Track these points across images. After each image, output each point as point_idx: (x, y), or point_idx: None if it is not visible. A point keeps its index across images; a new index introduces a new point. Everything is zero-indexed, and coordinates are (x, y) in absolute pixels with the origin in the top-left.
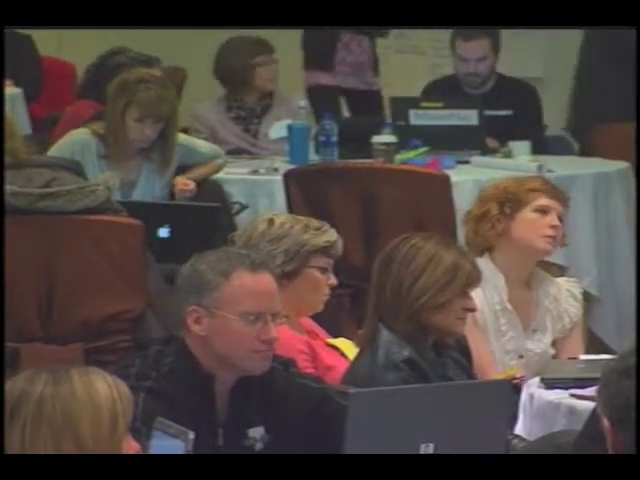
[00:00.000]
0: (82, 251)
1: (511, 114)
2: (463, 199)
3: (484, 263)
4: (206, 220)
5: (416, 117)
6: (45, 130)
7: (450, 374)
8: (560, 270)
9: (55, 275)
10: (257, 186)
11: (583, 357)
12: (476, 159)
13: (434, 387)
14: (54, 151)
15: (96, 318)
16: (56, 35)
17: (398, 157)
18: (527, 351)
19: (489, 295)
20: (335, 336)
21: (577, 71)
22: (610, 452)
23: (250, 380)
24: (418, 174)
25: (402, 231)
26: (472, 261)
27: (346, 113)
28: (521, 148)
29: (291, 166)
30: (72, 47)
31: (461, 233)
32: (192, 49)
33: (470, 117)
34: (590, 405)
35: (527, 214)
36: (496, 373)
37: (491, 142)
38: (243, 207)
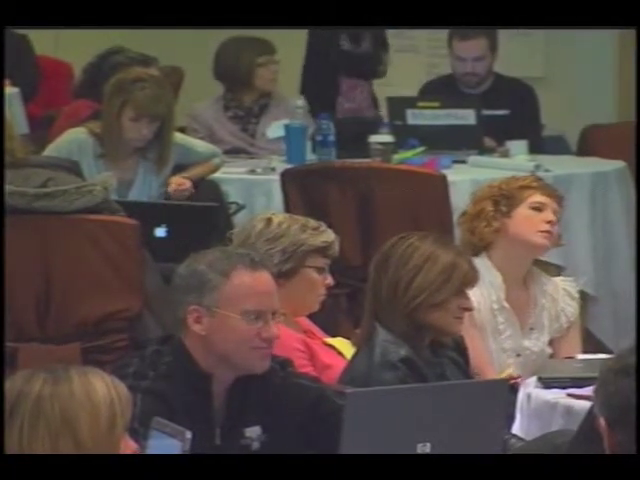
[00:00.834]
0: (79, 251)
1: (508, 114)
2: (460, 199)
3: (481, 262)
4: (203, 220)
5: (413, 117)
6: (42, 129)
7: (447, 373)
8: (557, 269)
9: (52, 275)
10: (254, 185)
11: (580, 356)
12: (473, 159)
13: (431, 387)
14: (51, 150)
15: (93, 317)
16: (53, 35)
17: (395, 157)
18: (524, 350)
19: (486, 294)
20: (332, 335)
21: None
22: (607, 452)
23: (247, 380)
24: (415, 174)
25: (399, 231)
26: (469, 260)
27: None
28: (518, 148)
29: (288, 166)
30: (69, 46)
31: (457, 233)
32: (190, 49)
33: (467, 117)
34: (588, 405)
35: (523, 211)
36: (493, 372)
37: (488, 142)
38: (240, 207)
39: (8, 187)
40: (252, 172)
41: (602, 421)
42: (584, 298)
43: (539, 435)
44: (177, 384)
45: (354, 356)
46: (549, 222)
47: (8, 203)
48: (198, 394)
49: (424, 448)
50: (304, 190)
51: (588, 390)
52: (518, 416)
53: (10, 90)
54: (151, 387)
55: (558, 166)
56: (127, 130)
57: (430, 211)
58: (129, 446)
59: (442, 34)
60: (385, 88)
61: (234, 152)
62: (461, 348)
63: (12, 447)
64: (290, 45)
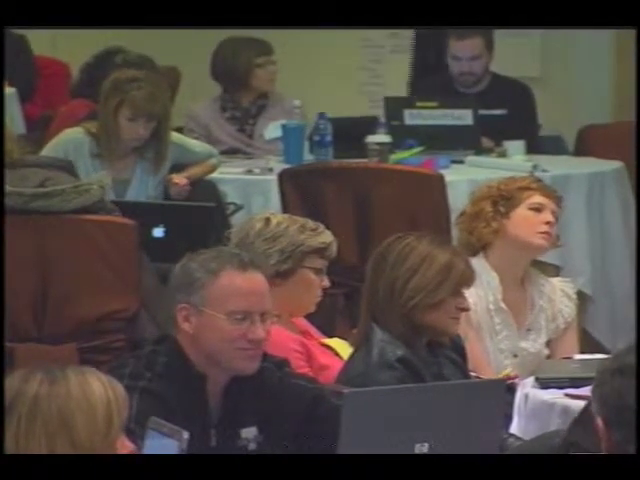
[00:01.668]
0: (76, 251)
1: (505, 113)
2: (457, 199)
3: (478, 262)
4: (200, 220)
5: (410, 117)
6: (39, 129)
7: (445, 373)
8: (554, 270)
9: (49, 275)
10: (251, 186)
11: (577, 357)
12: (471, 159)
13: (429, 387)
14: (48, 150)
15: (90, 317)
16: (50, 35)
17: (392, 157)
18: (521, 350)
19: (483, 294)
20: (329, 336)
21: None
22: (603, 452)
23: (243, 380)
24: (413, 174)
25: (396, 231)
26: (466, 260)
27: None
28: (516, 148)
29: (286, 166)
30: (66, 46)
31: (455, 233)
32: (187, 49)
33: (464, 117)
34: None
35: (522, 212)
36: (491, 373)
37: (486, 142)
38: (238, 208)
39: (6, 187)
40: (249, 172)
41: (599, 421)
42: (581, 298)
43: (536, 435)
44: (173, 384)
45: (351, 356)
46: (548, 223)
47: (6, 203)
48: (193, 394)
49: (422, 448)
50: (301, 190)
51: (585, 390)
52: (516, 416)
53: (7, 90)
54: (147, 387)
55: (555, 166)
56: (124, 130)
57: (427, 211)
58: (126, 446)
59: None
60: (382, 88)
61: (231, 152)
62: (459, 348)
63: (9, 446)
64: (288, 45)
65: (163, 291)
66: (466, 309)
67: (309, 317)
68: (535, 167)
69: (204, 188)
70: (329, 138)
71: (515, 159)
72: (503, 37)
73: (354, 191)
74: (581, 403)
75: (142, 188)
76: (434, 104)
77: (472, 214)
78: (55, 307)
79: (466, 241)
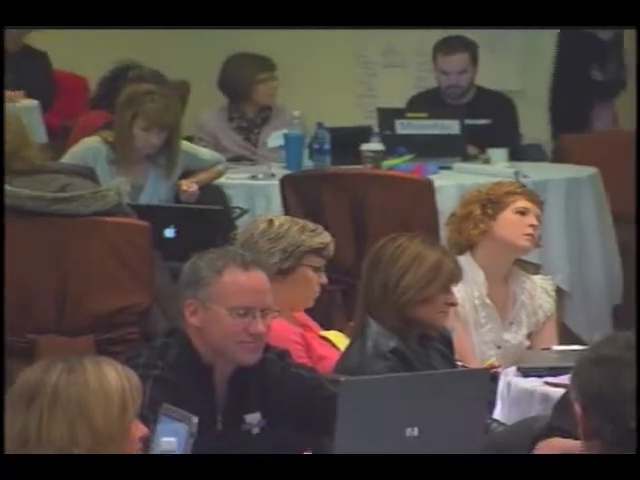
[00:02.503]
0: (94, 250)
1: (490, 123)
2: (446, 202)
3: (465, 261)
4: (208, 222)
5: (402, 127)
6: (59, 138)
7: (434, 363)
8: (535, 268)
9: (69, 272)
10: (255, 190)
11: (556, 348)
12: (457, 165)
13: (419, 375)
14: (68, 157)
15: (106, 312)
16: (71, 50)
17: (385, 163)
18: (504, 342)
19: (469, 290)
20: (327, 328)
21: None
22: (581, 437)
23: (247, 370)
24: (404, 179)
25: (389, 232)
26: (454, 259)
27: None
28: (499, 155)
29: (287, 171)
30: (86, 61)
31: (444, 233)
32: (196, 63)
33: (452, 126)
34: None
35: (508, 215)
36: (476, 363)
37: (471, 149)
38: (243, 211)
39: (29, 191)
40: (253, 178)
41: (577, 407)
42: (560, 294)
43: (518, 420)
44: (183, 373)
45: (348, 347)
46: (532, 226)
47: (28, 206)
48: (201, 383)
49: (412, 432)
50: (301, 194)
51: (564, 379)
52: (499, 403)
53: (30, 102)
54: (160, 376)
55: (535, 172)
56: (138, 139)
57: (418, 214)
58: (140, 430)
59: (428, 50)
60: (376, 100)
61: (236, 159)
62: (446, 340)
63: (32, 431)
64: (291, 60)
65: (174, 287)
66: (454, 304)
67: (309, 311)
68: (517, 173)
69: (212, 192)
70: (327, 146)
71: (498, 165)
72: (487, 53)
73: (350, 195)
74: (560, 391)
75: (155, 192)
76: (423, 115)
77: (462, 216)
78: (74, 302)
79: (455, 241)
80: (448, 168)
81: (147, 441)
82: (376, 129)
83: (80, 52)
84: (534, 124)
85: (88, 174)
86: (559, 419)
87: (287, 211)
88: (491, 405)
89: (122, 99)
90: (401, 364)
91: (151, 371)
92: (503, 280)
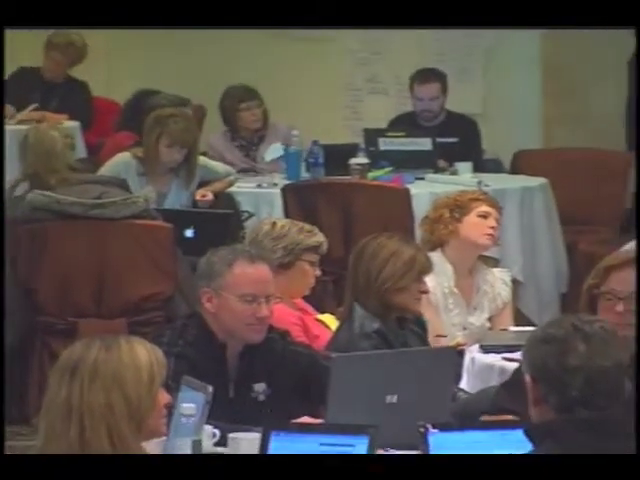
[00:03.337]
0: (125, 247)
1: (457, 141)
2: (420, 207)
3: (436, 256)
4: (221, 223)
5: (384, 144)
6: (96, 153)
7: (410, 342)
8: (494, 262)
9: (105, 266)
10: (260, 197)
11: (512, 329)
12: (430, 176)
13: (397, 352)
14: (104, 170)
15: (136, 298)
16: (105, 78)
17: (370, 175)
18: (469, 324)
19: (440, 281)
20: (321, 312)
21: None
22: (530, 403)
23: (254, 347)
24: (385, 188)
25: (372, 231)
26: (426, 255)
27: None
28: (464, 168)
29: (287, 181)
30: (118, 88)
31: (418, 233)
32: (210, 91)
33: (425, 144)
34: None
35: (472, 218)
36: (445, 341)
37: (441, 163)
38: (250, 215)
39: (71, 199)
40: (259, 186)
41: (527, 377)
42: (515, 284)
43: (480, 389)
44: (200, 350)
45: (338, 328)
46: (492, 227)
47: (70, 211)
48: (215, 358)
49: (392, 399)
50: (299, 200)
51: (518, 355)
52: (464, 375)
53: (72, 124)
54: (181, 352)
55: (495, 182)
56: (163, 155)
57: (396, 216)
58: (165, 397)
59: (406, 80)
60: (362, 122)
61: (243, 171)
62: (420, 322)
63: (75, 401)
64: (292, 88)
65: (192, 278)
66: (426, 292)
67: (305, 297)
68: (479, 182)
69: (224, 199)
70: (321, 160)
71: (464, 176)
72: (455, 82)
73: (340, 201)
74: (514, 364)
75: (177, 199)
76: (402, 134)
77: (433, 218)
78: (109, 290)
79: (427, 239)
80: (422, 179)
81: (170, 407)
82: (362, 146)
83: (112, 78)
84: (494, 142)
85: (121, 184)
86: (506, 401)
87: (287, 215)
88: (458, 377)
89: (150, 120)
90: (382, 343)
91: (173, 348)
92: (468, 272)
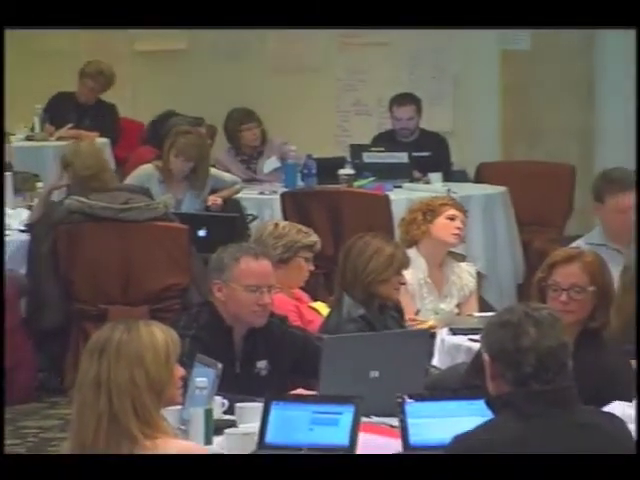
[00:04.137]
0: (148, 245)
1: (429, 155)
2: (398, 211)
3: (412, 252)
4: (229, 225)
5: (367, 157)
6: (123, 166)
7: (390, 325)
8: (461, 257)
9: (130, 261)
10: (263, 202)
11: (477, 314)
12: (406, 185)
13: (379, 334)
14: (130, 179)
15: (157, 289)
16: (131, 101)
17: (355, 184)
18: (440, 310)
19: (415, 273)
20: (314, 300)
21: None
22: (488, 378)
23: (257, 330)
24: (369, 195)
25: (358, 232)
26: (403, 251)
27: None
28: (436, 177)
29: (285, 189)
30: (142, 109)
31: (397, 233)
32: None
33: (402, 157)
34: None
35: (442, 220)
36: (419, 326)
37: (416, 174)
38: (254, 217)
39: (102, 204)
40: (261, 193)
41: (486, 357)
42: (479, 276)
43: (449, 366)
44: (211, 333)
45: (328, 314)
46: (459, 228)
47: (102, 214)
48: (224, 339)
49: (374, 374)
50: (296, 205)
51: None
52: (436, 353)
53: (103, 140)
54: (195, 335)
55: (462, 190)
56: (172, 163)
57: (378, 219)
58: (180, 372)
59: (386, 103)
60: (349, 139)
61: (247, 181)
62: (398, 309)
63: (102, 377)
64: (290, 111)
65: (205, 272)
66: (404, 283)
67: (301, 288)
68: (448, 190)
69: (231, 204)
70: (314, 171)
71: (435, 185)
72: (427, 105)
73: (330, 206)
74: (478, 345)
75: (191, 204)
76: (382, 149)
77: (409, 220)
78: (134, 282)
79: (404, 238)
80: (400, 187)
81: (185, 380)
82: (349, 159)
83: (137, 103)
84: (461, 156)
85: (144, 192)
86: (473, 379)
87: (285, 217)
88: (430, 355)
89: (169, 136)
90: (366, 326)
91: (188, 331)
92: (439, 266)
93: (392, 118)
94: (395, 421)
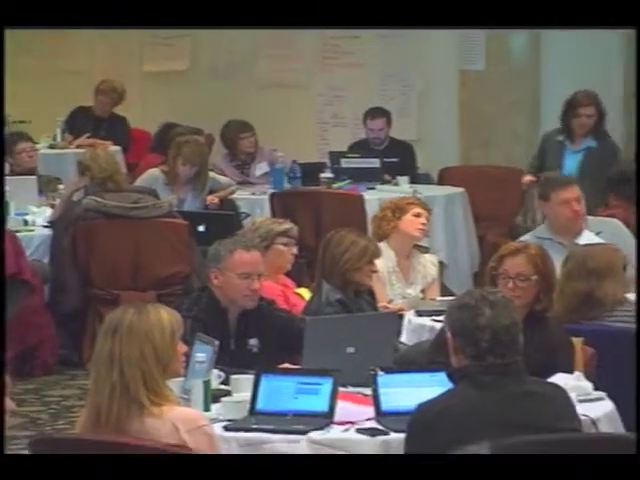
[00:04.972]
0: (154, 239)
1: (398, 161)
2: (371, 209)
3: (383, 245)
4: (226, 221)
5: (344, 163)
6: (133, 170)
7: (363, 308)
8: (425, 249)
9: (139, 253)
10: (254, 202)
11: (438, 299)
12: (378, 187)
13: (354, 316)
14: (139, 182)
15: (163, 276)
16: (140, 114)
17: (334, 185)
18: (407, 295)
19: (385, 263)
20: (298, 286)
21: None
22: (451, 353)
23: (249, 312)
24: (345, 195)
25: (336, 227)
26: (375, 244)
27: None
28: (403, 180)
29: (273, 190)
30: (150, 121)
31: (369, 228)
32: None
33: (374, 163)
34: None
35: (408, 217)
36: (389, 308)
37: (386, 177)
38: (247, 215)
39: (114, 203)
40: (253, 194)
41: (448, 334)
42: (441, 265)
43: (415, 343)
44: (209, 314)
45: (310, 299)
46: (423, 224)
47: (114, 212)
48: (220, 320)
49: (350, 350)
50: (283, 204)
51: (442, 317)
52: (404, 332)
53: (116, 148)
54: (195, 316)
55: (426, 191)
56: (179, 170)
57: (354, 216)
58: (183, 349)
59: (361, 116)
60: (328, 146)
61: (241, 184)
62: (371, 293)
63: (115, 353)
64: (278, 124)
65: (204, 262)
66: (376, 271)
67: (286, 275)
68: (414, 191)
69: (227, 203)
70: (298, 175)
71: (403, 187)
72: (396, 117)
73: (312, 204)
74: (440, 324)
75: (193, 204)
76: (357, 155)
77: (380, 217)
78: (143, 270)
79: (376, 233)
80: (372, 188)
81: (187, 355)
82: (328, 164)
83: (146, 116)
84: (425, 161)
85: (152, 192)
86: (436, 355)
87: (273, 215)
88: (398, 333)
89: (173, 144)
90: (343, 309)
91: (190, 313)
92: (406, 257)
93: (366, 129)
94: (368, 390)
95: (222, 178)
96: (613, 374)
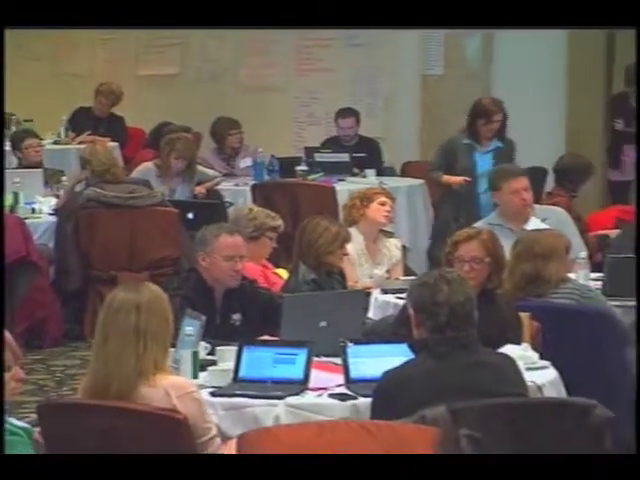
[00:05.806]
0: (148, 225)
1: (366, 156)
2: (341, 199)
3: (353, 230)
4: (212, 210)
5: (318, 157)
6: (129, 164)
7: (335, 287)
8: (390, 234)
9: (135, 238)
10: (238, 192)
11: (402, 278)
12: (348, 179)
13: (327, 294)
14: (134, 174)
15: (155, 259)
16: (136, 114)
17: (309, 177)
18: (374, 275)
19: (355, 246)
20: (277, 267)
21: None
22: (413, 326)
23: (233, 290)
24: (319, 186)
25: (310, 215)
26: (346, 229)
27: None
28: (370, 173)
29: (255, 182)
30: (144, 120)
31: (341, 215)
32: (206, 122)
33: (345, 157)
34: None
35: (375, 205)
36: (358, 287)
37: (355, 170)
38: (231, 204)
39: (113, 193)
40: (236, 185)
41: (410, 310)
42: (404, 249)
43: (381, 317)
44: (197, 293)
45: (288, 279)
46: (388, 211)
47: (113, 202)
48: (207, 297)
49: (323, 324)
50: (263, 194)
51: (405, 295)
52: (371, 308)
53: (113, 144)
54: (184, 294)
55: (390, 182)
56: (172, 164)
57: (326, 205)
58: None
59: (332, 115)
60: (303, 142)
61: (226, 175)
62: (342, 274)
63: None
64: (261, 120)
65: (192, 245)
66: (346, 254)
67: (267, 259)
68: (380, 183)
69: (213, 193)
70: (277, 168)
71: (370, 179)
72: (365, 117)
73: (290, 195)
74: (403, 301)
75: (183, 193)
76: (329, 150)
77: (350, 206)
78: (138, 253)
79: (346, 219)
80: (343, 180)
81: (177, 329)
82: (304, 158)
83: (141, 115)
84: (390, 156)
85: (146, 184)
86: (400, 328)
87: (255, 204)
88: (366, 309)
89: (165, 141)
90: (317, 287)
91: (180, 291)
92: (373, 241)
93: (337, 127)
94: (339, 360)
95: (209, 171)
96: (557, 345)
